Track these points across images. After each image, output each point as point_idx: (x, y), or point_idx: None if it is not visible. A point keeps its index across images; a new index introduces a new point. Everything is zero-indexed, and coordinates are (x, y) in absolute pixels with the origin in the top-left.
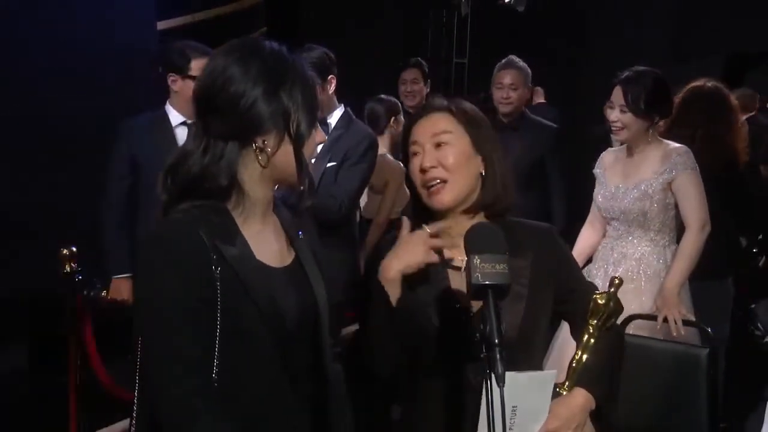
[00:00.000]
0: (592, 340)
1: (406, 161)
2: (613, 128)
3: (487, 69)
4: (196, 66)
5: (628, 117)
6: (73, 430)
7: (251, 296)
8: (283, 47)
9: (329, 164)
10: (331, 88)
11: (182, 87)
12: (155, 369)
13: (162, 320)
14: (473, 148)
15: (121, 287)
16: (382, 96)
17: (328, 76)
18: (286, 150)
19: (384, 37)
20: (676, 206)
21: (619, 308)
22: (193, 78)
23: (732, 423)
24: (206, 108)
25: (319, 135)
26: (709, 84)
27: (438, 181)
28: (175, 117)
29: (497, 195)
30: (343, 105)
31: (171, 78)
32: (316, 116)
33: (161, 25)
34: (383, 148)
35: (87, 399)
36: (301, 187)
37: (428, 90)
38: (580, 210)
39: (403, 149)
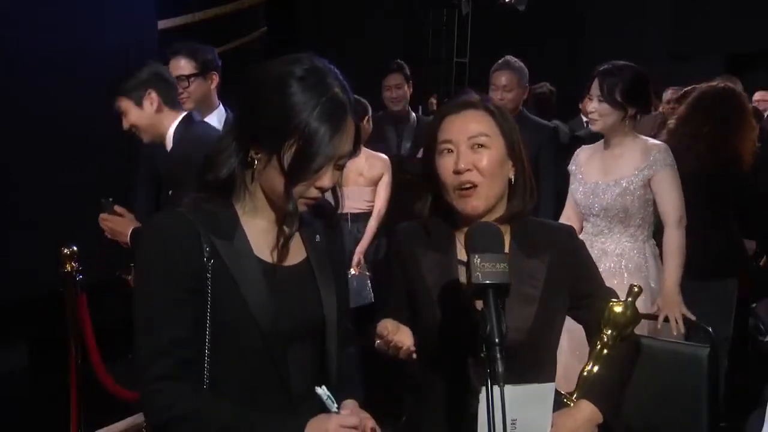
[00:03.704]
0: (605, 351)
1: (430, 157)
2: (590, 118)
3: (487, 69)
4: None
5: (604, 107)
6: (74, 430)
7: (241, 290)
8: (326, 76)
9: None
10: (153, 105)
11: None
12: (134, 351)
13: (143, 306)
14: (507, 152)
15: None
16: (355, 96)
17: (146, 90)
18: (271, 173)
19: (384, 36)
20: (655, 202)
21: (637, 317)
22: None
23: (732, 423)
24: (238, 99)
25: (326, 179)
26: (721, 85)
27: (470, 185)
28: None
29: (525, 203)
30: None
31: None
32: (333, 155)
33: (161, 25)
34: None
35: (87, 399)
36: (289, 209)
37: (411, 91)
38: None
39: (428, 144)
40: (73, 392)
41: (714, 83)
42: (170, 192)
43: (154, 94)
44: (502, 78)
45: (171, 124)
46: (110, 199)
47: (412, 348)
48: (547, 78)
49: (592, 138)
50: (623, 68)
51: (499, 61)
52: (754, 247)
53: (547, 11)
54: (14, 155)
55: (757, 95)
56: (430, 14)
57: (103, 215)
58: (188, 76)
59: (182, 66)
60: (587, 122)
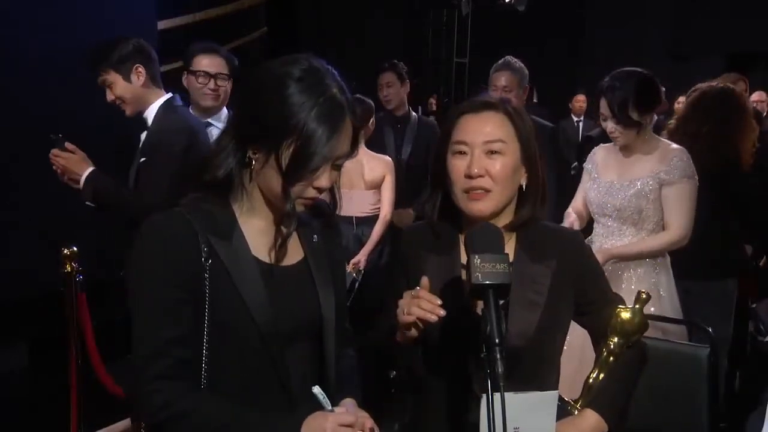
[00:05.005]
0: (612, 358)
1: (443, 155)
2: (611, 137)
3: (487, 69)
4: (197, 62)
5: (622, 126)
6: (74, 430)
7: (239, 290)
8: (324, 77)
9: (142, 159)
10: (140, 80)
11: (187, 83)
12: (132, 351)
13: (141, 306)
14: (521, 158)
15: None
16: (360, 96)
17: (134, 65)
18: (269, 173)
19: (384, 36)
20: None
21: (644, 325)
22: (192, 72)
23: (732, 423)
24: (236, 99)
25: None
26: (721, 85)
27: (481, 190)
28: None
29: (535, 211)
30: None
31: (183, 76)
32: (331, 155)
33: (161, 25)
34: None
35: (87, 399)
36: (287, 209)
37: (408, 89)
38: (565, 210)
39: (441, 140)
40: (73, 392)
41: (713, 83)
42: (142, 159)
43: (141, 69)
44: (501, 79)
45: (154, 102)
46: (60, 135)
47: (441, 313)
48: (547, 77)
49: (604, 138)
50: (626, 78)
51: (499, 62)
52: (752, 251)
53: (547, 11)
54: (14, 155)
55: (755, 96)
56: (430, 14)
57: (54, 151)
58: (227, 75)
59: (222, 65)
60: (578, 122)
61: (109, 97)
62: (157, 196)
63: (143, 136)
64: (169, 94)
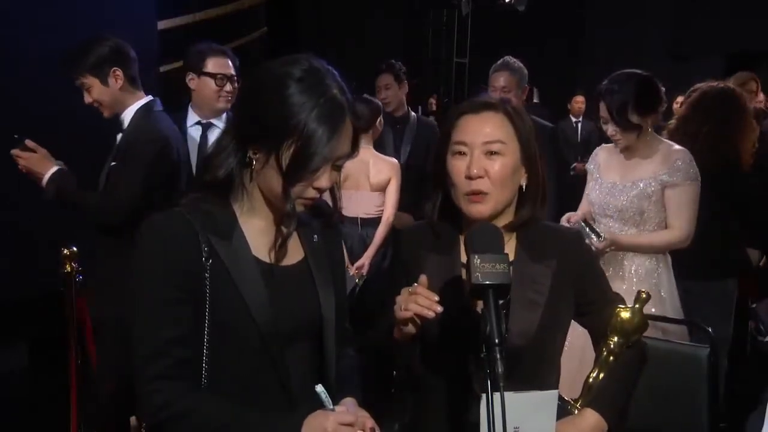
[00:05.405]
0: (612, 358)
1: (443, 155)
2: (613, 140)
3: (487, 69)
4: (211, 64)
5: (622, 129)
6: (74, 430)
7: (239, 290)
8: (325, 77)
9: (113, 163)
10: (117, 83)
11: (198, 85)
12: (132, 351)
13: (141, 305)
14: (521, 159)
15: None
16: (367, 96)
17: (111, 68)
18: (269, 173)
19: (384, 36)
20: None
21: (644, 324)
22: (209, 75)
23: (732, 423)
24: (236, 99)
25: (326, 179)
26: (721, 85)
27: (480, 193)
28: (191, 117)
29: (535, 211)
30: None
31: (189, 77)
32: (331, 156)
33: (161, 25)
34: (368, 147)
35: (87, 399)
36: (287, 209)
37: (407, 90)
38: (564, 210)
39: (441, 140)
40: (73, 392)
41: (713, 83)
42: (113, 163)
43: (119, 72)
44: (500, 79)
45: (132, 104)
46: (16, 136)
47: (439, 309)
48: (547, 77)
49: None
50: (625, 81)
51: (498, 62)
52: (757, 256)
53: (547, 11)
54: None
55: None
56: (430, 14)
57: (14, 151)
58: (238, 78)
59: (232, 66)
60: (577, 122)
61: (87, 100)
62: (126, 200)
63: (119, 137)
64: (149, 97)
